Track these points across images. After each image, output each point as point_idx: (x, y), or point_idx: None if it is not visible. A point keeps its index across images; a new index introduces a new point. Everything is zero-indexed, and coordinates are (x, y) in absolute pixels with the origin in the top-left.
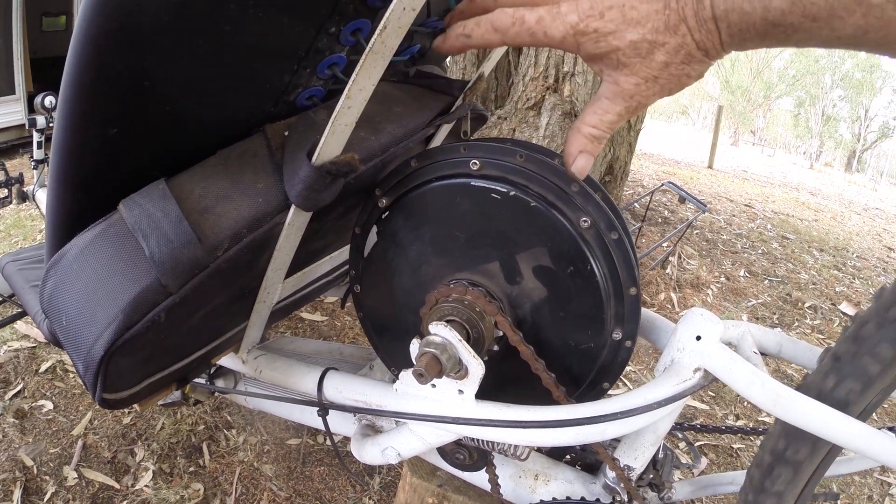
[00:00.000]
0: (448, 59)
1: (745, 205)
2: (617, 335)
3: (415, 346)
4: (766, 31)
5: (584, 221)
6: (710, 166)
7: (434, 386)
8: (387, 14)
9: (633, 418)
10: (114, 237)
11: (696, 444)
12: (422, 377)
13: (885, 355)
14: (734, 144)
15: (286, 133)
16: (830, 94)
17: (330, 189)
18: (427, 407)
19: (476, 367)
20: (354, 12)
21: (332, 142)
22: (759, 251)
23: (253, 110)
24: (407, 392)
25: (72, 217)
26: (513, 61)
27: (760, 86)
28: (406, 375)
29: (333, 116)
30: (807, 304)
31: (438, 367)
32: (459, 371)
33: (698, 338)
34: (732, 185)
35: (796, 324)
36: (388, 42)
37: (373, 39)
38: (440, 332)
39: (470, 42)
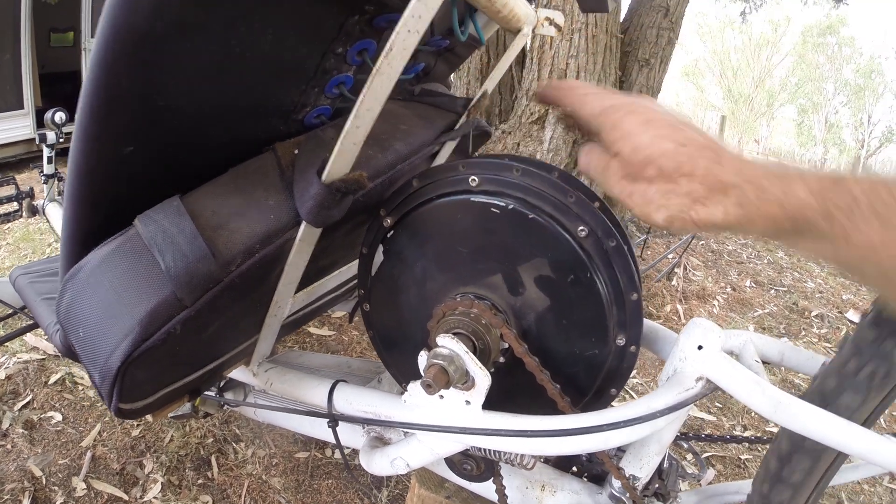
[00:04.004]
0: (452, 76)
1: None
2: (621, 341)
3: (423, 359)
4: (776, 217)
5: (582, 231)
6: None
7: (442, 397)
8: (392, 37)
9: (636, 427)
10: (130, 252)
11: (703, 456)
12: (430, 388)
13: None
14: None
15: (296, 151)
16: (833, 101)
17: (339, 206)
18: (435, 417)
19: (482, 378)
20: (361, 33)
21: (342, 160)
22: (765, 261)
23: (263, 129)
24: (415, 403)
25: (87, 232)
26: (516, 76)
27: (763, 94)
28: (414, 387)
29: (342, 135)
30: (814, 313)
31: (446, 378)
32: (466, 382)
33: (700, 347)
34: None
35: (803, 333)
36: (394, 64)
37: (379, 61)
38: (447, 344)
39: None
